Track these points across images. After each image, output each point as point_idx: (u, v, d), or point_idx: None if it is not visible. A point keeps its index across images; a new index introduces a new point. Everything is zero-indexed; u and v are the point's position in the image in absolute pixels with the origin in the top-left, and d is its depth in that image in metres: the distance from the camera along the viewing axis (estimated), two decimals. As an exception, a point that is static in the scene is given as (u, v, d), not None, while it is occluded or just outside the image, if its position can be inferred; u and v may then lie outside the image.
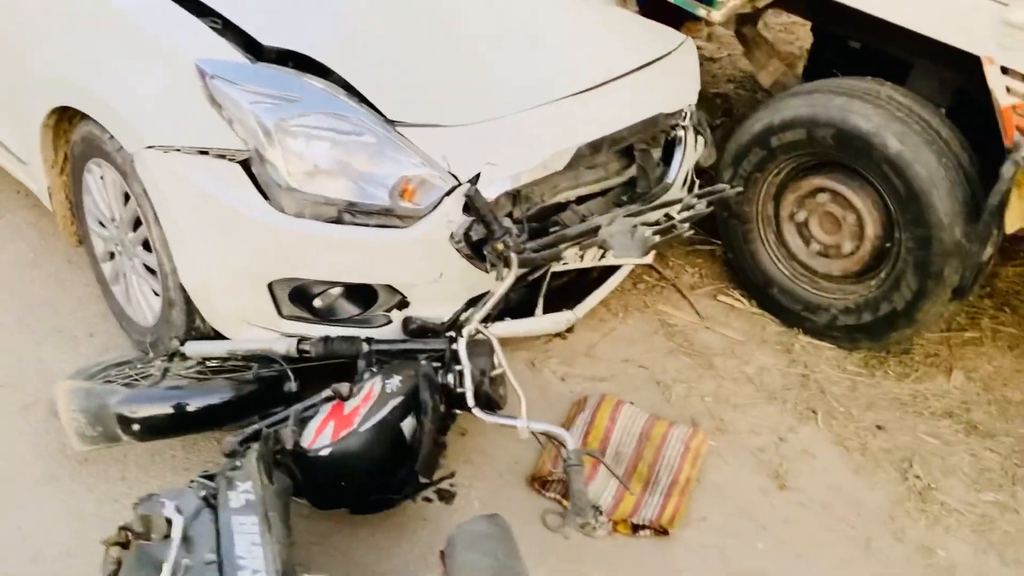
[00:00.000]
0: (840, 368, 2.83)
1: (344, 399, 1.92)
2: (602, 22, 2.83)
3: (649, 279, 3.22)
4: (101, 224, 2.50)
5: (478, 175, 2.15)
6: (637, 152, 2.78)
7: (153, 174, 2.07)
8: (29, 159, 2.61)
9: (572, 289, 2.79)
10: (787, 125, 2.72)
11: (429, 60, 2.30)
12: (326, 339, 2.19)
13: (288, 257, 2.08)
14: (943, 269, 2.50)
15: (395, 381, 2.02)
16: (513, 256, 2.16)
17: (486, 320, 2.46)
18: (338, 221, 2.07)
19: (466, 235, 2.17)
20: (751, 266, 3.03)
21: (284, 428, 1.85)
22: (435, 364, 2.14)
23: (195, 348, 2.29)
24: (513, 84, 2.39)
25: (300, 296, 2.19)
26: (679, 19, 3.19)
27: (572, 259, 2.57)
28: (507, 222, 2.27)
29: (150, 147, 2.06)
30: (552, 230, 2.46)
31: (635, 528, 2.19)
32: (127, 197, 2.28)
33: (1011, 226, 2.36)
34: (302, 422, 1.93)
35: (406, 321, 2.27)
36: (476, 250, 2.20)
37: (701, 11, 2.85)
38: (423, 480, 2.03)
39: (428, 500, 2.23)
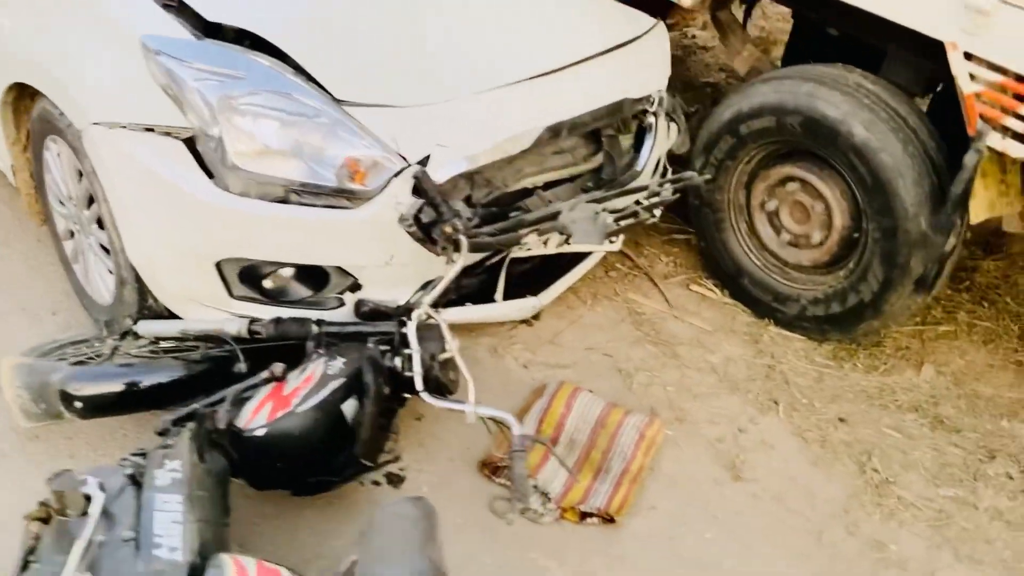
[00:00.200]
0: (808, 360, 2.79)
1: (279, 380, 1.90)
2: (570, 4, 2.79)
3: (622, 267, 3.19)
4: (61, 202, 2.49)
5: (428, 157, 2.13)
6: (605, 138, 2.75)
7: (100, 151, 2.06)
8: (-6, 137, 2.62)
9: (539, 275, 2.77)
10: (756, 112, 2.68)
11: (385, 40, 2.28)
12: (277, 320, 2.18)
13: (233, 237, 2.06)
14: (909, 260, 2.45)
15: (338, 363, 2.00)
16: (463, 239, 2.14)
17: (444, 304, 2.47)
18: (285, 201, 2.05)
19: (416, 217, 2.14)
20: (723, 255, 3.00)
21: (219, 408, 1.84)
22: (383, 348, 2.12)
23: (147, 327, 2.28)
24: (472, 65, 2.36)
25: (250, 277, 2.17)
26: (669, 6, 3.14)
27: (535, 245, 2.55)
28: (460, 205, 2.25)
29: (97, 123, 2.05)
30: (512, 215, 2.44)
31: (583, 515, 2.17)
32: (81, 175, 2.27)
33: (976, 216, 2.32)
34: (241, 402, 1.91)
35: (358, 304, 2.25)
36: (427, 233, 2.17)
37: (673, -5, 2.80)
38: (366, 463, 2.01)
39: (376, 484, 2.22)
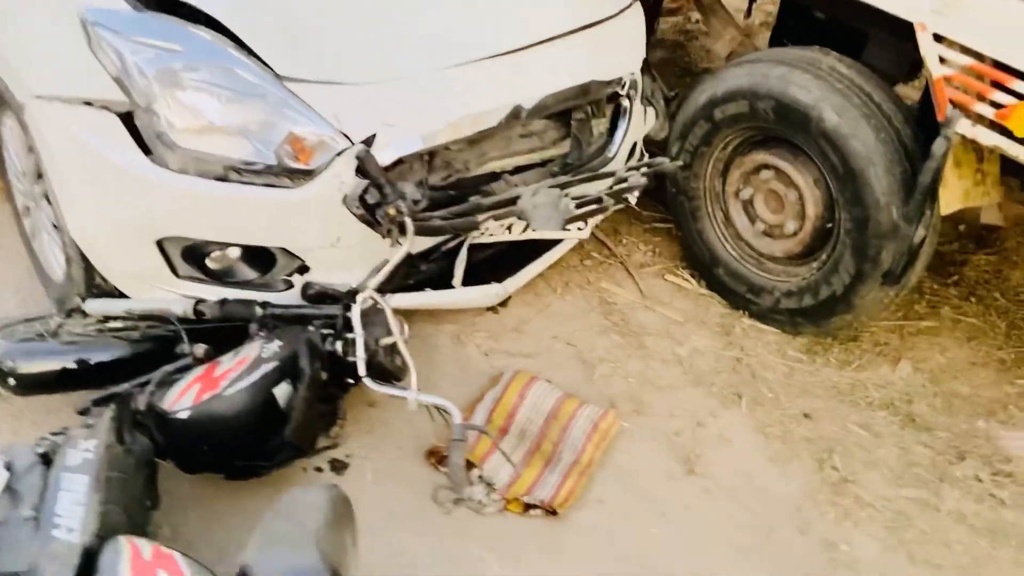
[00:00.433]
0: (780, 353, 2.71)
1: (200, 362, 1.87)
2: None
3: (598, 255, 3.12)
4: (18, 179, 2.48)
5: (373, 136, 2.08)
6: (574, 121, 2.68)
7: (40, 125, 2.04)
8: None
9: (508, 262, 2.71)
10: (729, 97, 2.59)
11: (338, 16, 2.22)
12: (223, 302, 2.15)
13: (172, 215, 2.03)
14: (880, 252, 2.36)
15: (274, 346, 1.96)
16: (408, 222, 2.09)
17: (402, 289, 2.42)
18: (225, 179, 2.01)
19: (362, 198, 2.09)
20: (698, 244, 2.92)
21: (142, 389, 1.81)
22: (326, 332, 2.08)
23: (95, 306, 2.26)
24: (432, 43, 2.30)
25: (193, 256, 2.14)
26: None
27: (496, 231, 2.49)
28: (407, 187, 2.19)
29: (39, 97, 2.02)
30: (473, 199, 2.38)
31: (527, 507, 2.12)
32: (31, 149, 2.25)
33: (947, 207, 2.22)
34: (170, 383, 1.88)
35: (305, 286, 2.21)
36: (373, 214, 2.12)
37: (647, -26, 2.72)
38: (299, 449, 1.98)
39: (319, 469, 2.19)
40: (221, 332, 2.15)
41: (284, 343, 1.98)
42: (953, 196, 2.20)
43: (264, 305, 2.14)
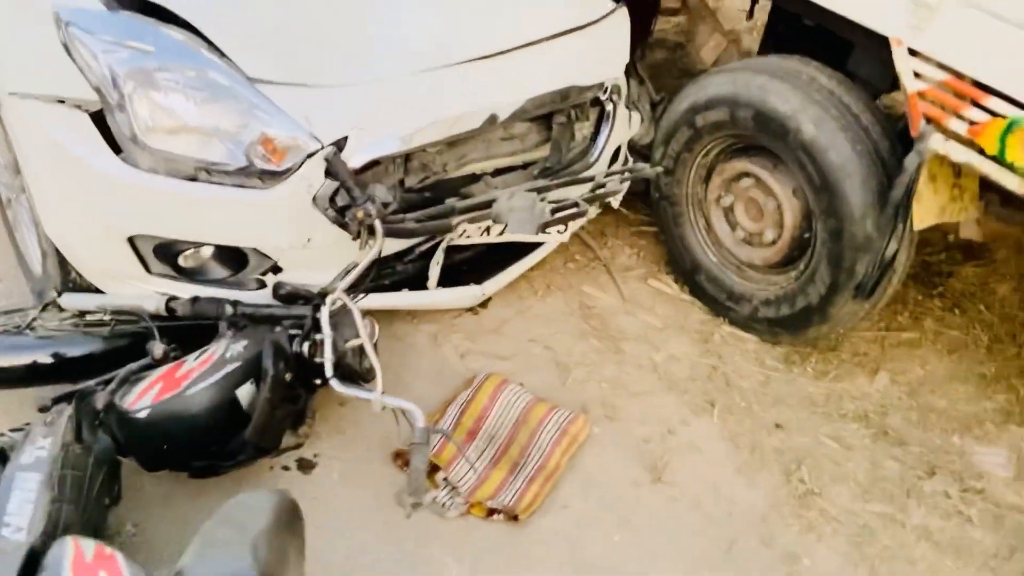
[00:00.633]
0: (758, 362, 2.70)
1: (159, 362, 1.88)
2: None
3: (582, 258, 3.12)
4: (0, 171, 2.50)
5: (345, 138, 2.08)
6: (555, 125, 2.68)
7: (14, 121, 2.06)
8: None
9: (489, 263, 2.72)
10: (711, 104, 2.58)
11: (311, 18, 2.22)
12: (194, 299, 2.16)
13: (142, 214, 2.04)
14: (855, 264, 2.35)
15: (239, 346, 1.97)
16: (377, 225, 2.09)
17: (378, 290, 2.43)
18: (195, 179, 2.02)
19: (332, 200, 2.10)
20: (680, 250, 2.92)
21: (102, 387, 1.82)
22: (293, 332, 2.09)
23: (70, 300, 2.27)
24: (407, 46, 2.30)
25: (166, 254, 2.15)
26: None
27: (474, 232, 2.50)
28: (379, 189, 2.19)
29: (12, 93, 2.04)
30: (449, 201, 2.39)
31: (490, 511, 2.13)
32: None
33: (921, 222, 2.20)
34: (135, 381, 1.90)
35: (276, 286, 2.22)
36: (343, 216, 2.13)
37: (630, -22, 2.70)
38: (261, 449, 1.99)
39: (286, 468, 2.21)
40: (195, 329, 2.16)
41: (249, 343, 1.99)
42: (927, 211, 2.18)
43: (235, 304, 2.15)
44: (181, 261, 2.17)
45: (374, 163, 2.24)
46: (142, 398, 1.84)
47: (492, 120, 2.35)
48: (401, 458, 2.24)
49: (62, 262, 2.23)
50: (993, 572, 2.11)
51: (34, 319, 2.22)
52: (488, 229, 2.51)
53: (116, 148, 2.00)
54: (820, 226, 2.41)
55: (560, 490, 2.21)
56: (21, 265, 2.62)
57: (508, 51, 2.44)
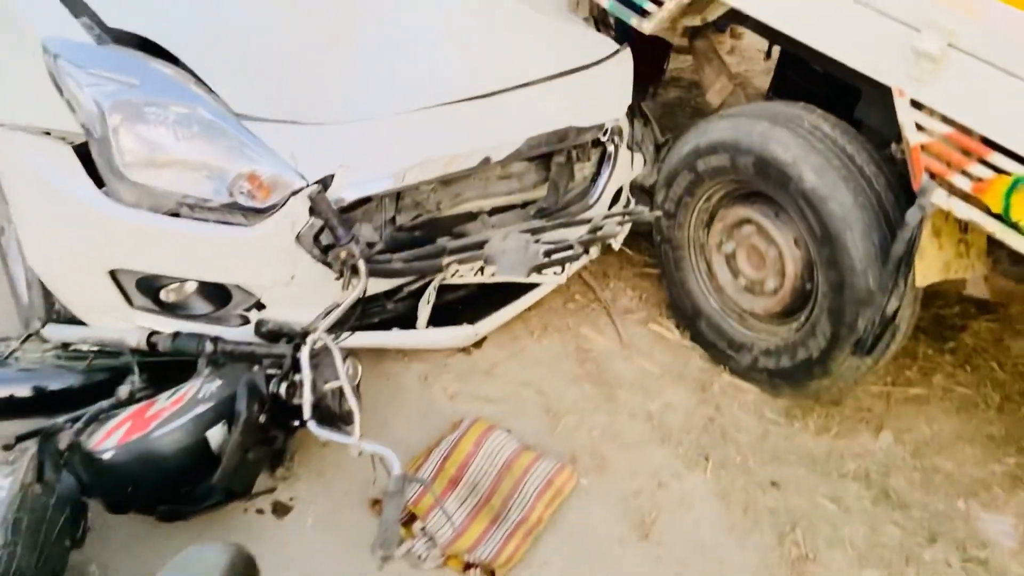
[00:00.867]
0: (757, 414, 2.62)
1: (125, 403, 1.84)
2: (528, 25, 2.68)
3: (582, 299, 3.06)
4: (-6, 199, 2.49)
5: (331, 176, 2.05)
6: (554, 165, 2.64)
7: (0, 151, 2.04)
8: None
9: (485, 303, 2.67)
10: (712, 149, 2.52)
11: (301, 55, 2.20)
12: (175, 335, 2.13)
13: (124, 248, 2.01)
14: (856, 318, 2.26)
15: (213, 386, 1.93)
16: (361, 265, 2.05)
17: (367, 328, 2.39)
18: (177, 214, 1.99)
19: (316, 239, 2.07)
20: (682, 294, 2.85)
21: (70, 425, 1.78)
22: (271, 372, 2.04)
23: (53, 332, 2.24)
24: (400, 85, 2.27)
25: (148, 288, 2.12)
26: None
27: (467, 272, 2.45)
28: (365, 228, 2.15)
29: (0, 124, 2.03)
30: (440, 240, 2.35)
31: (467, 565, 2.05)
32: (0, 173, 2.26)
33: (924, 279, 2.12)
34: (104, 420, 1.86)
35: (258, 323, 2.18)
36: (327, 255, 2.09)
37: (633, 20, 2.67)
38: (232, 494, 1.94)
39: (260, 512, 2.15)
40: (176, 364, 2.13)
41: (224, 383, 1.94)
42: (931, 268, 2.10)
43: (216, 341, 2.11)
44: (163, 295, 2.14)
45: (365, 200, 2.21)
46: (108, 438, 1.79)
47: (486, 161, 2.31)
48: (379, 505, 2.17)
49: (46, 293, 2.21)
50: (994, 650, 2.00)
51: (14, 351, 2.20)
52: (482, 269, 2.46)
53: (100, 182, 1.97)
54: (822, 277, 2.33)
55: (542, 545, 2.13)
56: (12, 293, 2.60)
57: (506, 91, 2.41)
